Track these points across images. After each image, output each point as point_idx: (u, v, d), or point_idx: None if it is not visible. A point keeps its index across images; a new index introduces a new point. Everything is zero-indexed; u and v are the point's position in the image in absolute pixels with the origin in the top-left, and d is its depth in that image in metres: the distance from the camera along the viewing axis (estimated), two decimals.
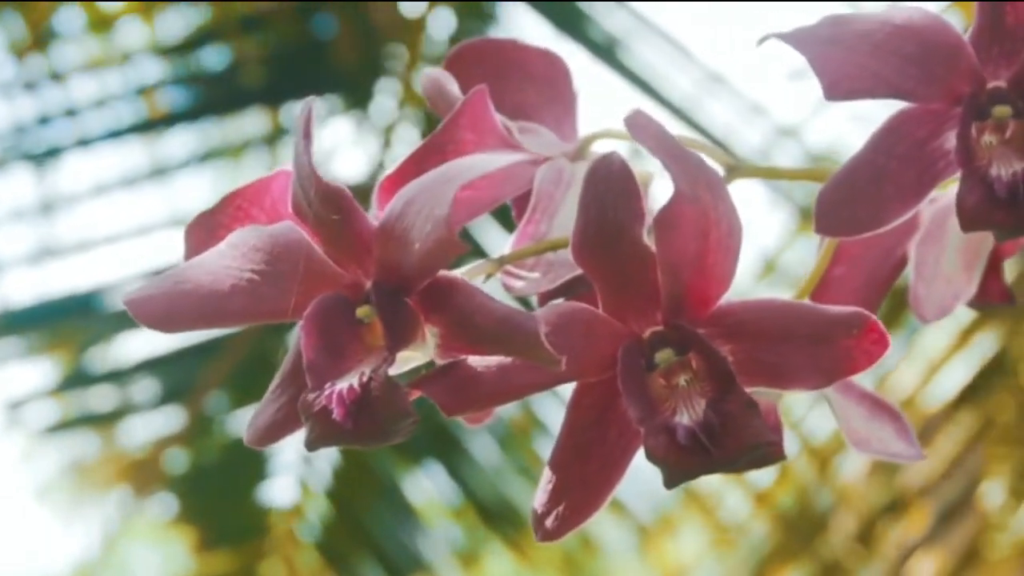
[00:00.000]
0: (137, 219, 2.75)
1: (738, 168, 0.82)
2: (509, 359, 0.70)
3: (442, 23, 2.71)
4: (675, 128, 2.43)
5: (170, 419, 2.79)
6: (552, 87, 0.87)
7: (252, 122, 2.79)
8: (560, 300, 0.75)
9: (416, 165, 0.75)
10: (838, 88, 0.75)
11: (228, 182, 2.84)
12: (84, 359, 2.73)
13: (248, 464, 2.79)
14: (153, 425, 2.81)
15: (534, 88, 0.87)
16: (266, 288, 0.70)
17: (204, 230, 0.76)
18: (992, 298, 0.94)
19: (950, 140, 0.76)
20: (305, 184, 0.71)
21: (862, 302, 0.97)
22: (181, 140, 2.75)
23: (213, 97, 2.75)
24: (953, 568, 2.51)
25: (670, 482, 0.69)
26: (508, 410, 2.58)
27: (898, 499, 2.58)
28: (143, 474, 2.76)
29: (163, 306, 0.71)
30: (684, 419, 0.69)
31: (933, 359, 2.54)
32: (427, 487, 2.97)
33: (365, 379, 0.68)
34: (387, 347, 0.68)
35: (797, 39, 0.74)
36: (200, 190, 2.87)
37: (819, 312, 0.71)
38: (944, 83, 0.75)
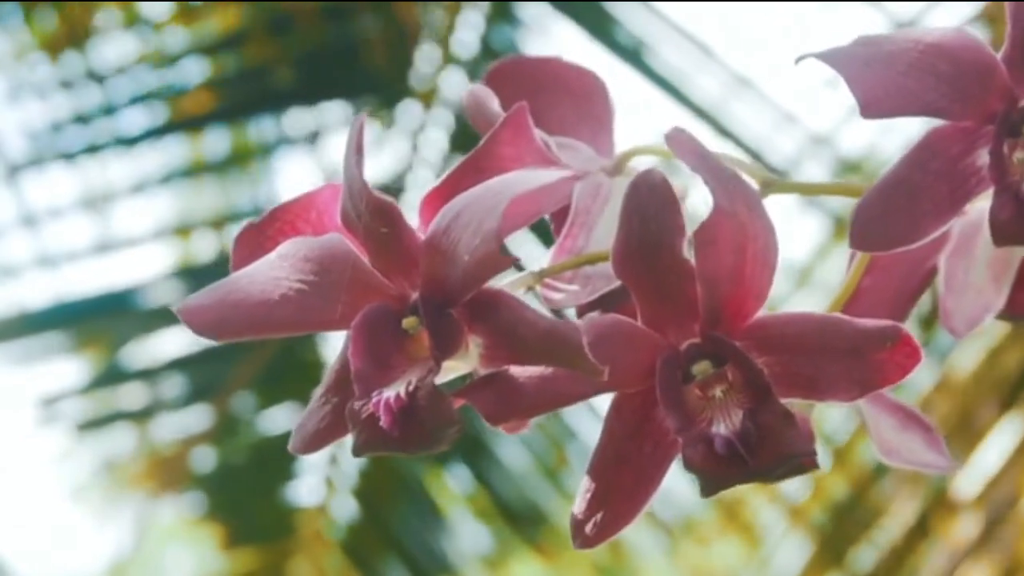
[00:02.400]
0: (169, 218, 2.77)
1: (773, 183, 0.83)
2: (550, 370, 0.71)
3: (471, 25, 2.72)
4: (703, 133, 2.45)
5: (199, 418, 2.81)
6: (589, 103, 0.89)
7: (285, 122, 2.80)
8: (597, 312, 0.77)
9: (458, 180, 0.76)
10: (874, 107, 0.76)
11: (260, 182, 2.86)
12: (116, 357, 2.75)
13: (275, 463, 2.81)
14: (182, 424, 2.83)
15: (572, 104, 0.89)
16: (315, 298, 0.72)
17: (251, 243, 0.77)
18: (1021, 310, 0.95)
19: (983, 157, 0.77)
20: (356, 197, 0.73)
21: (891, 312, 0.98)
22: (214, 140, 2.77)
23: (245, 97, 2.76)
24: None
25: (707, 491, 0.70)
26: None
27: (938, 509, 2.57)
28: (172, 472, 2.78)
29: (215, 315, 0.73)
30: (721, 429, 0.70)
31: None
32: (453, 489, 2.98)
33: (412, 388, 0.69)
34: (433, 357, 0.70)
35: (834, 59, 0.75)
36: (233, 189, 2.88)
37: (853, 325, 0.72)
38: (977, 101, 0.76)
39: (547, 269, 0.79)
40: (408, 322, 0.71)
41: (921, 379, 2.55)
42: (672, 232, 0.70)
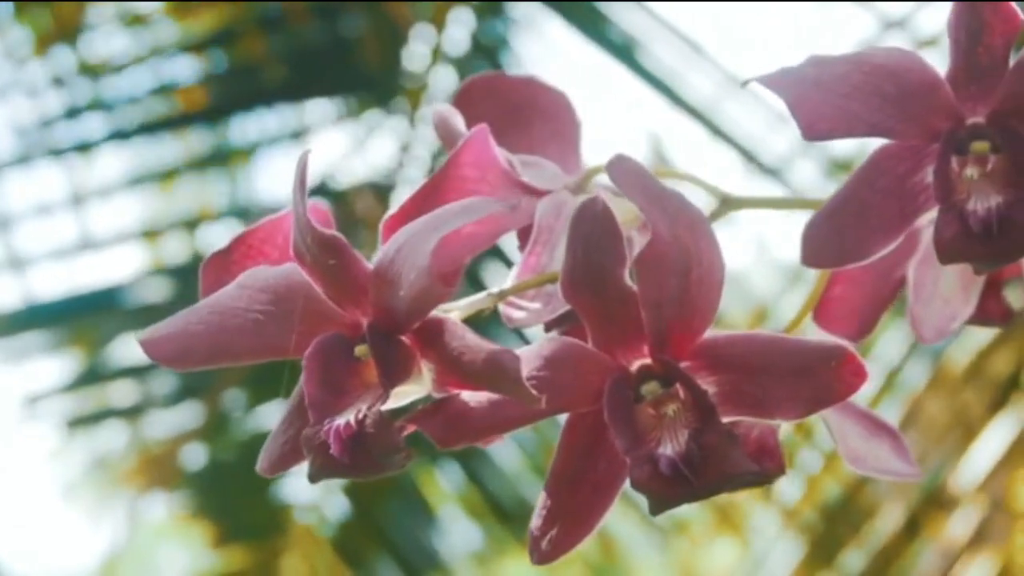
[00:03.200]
0: (158, 215, 2.77)
1: (731, 200, 0.84)
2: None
3: (461, 22, 2.72)
4: (696, 132, 2.43)
5: (189, 415, 2.81)
6: (558, 121, 0.90)
7: (274, 120, 2.80)
8: (553, 333, 0.77)
9: (418, 204, 0.77)
10: (815, 129, 0.77)
11: (251, 179, 2.86)
12: (104, 355, 2.76)
13: None
14: (173, 421, 2.83)
15: (541, 122, 0.90)
16: (271, 327, 0.74)
17: (218, 269, 0.79)
18: (991, 317, 0.95)
19: (931, 175, 0.77)
20: (302, 232, 0.74)
21: (862, 322, 0.99)
22: (202, 137, 2.77)
23: (235, 94, 2.76)
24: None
25: (654, 509, 0.72)
26: None
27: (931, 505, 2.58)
28: (162, 470, 2.78)
29: (176, 345, 0.75)
30: (667, 450, 0.71)
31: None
32: (445, 487, 2.98)
33: (361, 416, 0.71)
34: (381, 384, 0.71)
35: (775, 83, 0.76)
36: (224, 187, 2.89)
37: (800, 345, 0.73)
38: (923, 121, 0.77)
39: (508, 289, 0.80)
40: (360, 350, 0.72)
41: (914, 377, 2.55)
42: (614, 260, 0.71)
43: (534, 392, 0.69)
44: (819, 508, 2.66)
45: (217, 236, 2.72)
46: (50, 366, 2.78)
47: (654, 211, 0.70)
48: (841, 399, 0.72)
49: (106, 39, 2.67)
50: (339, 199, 2.71)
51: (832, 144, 2.55)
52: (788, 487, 2.63)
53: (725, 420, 0.73)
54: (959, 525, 2.53)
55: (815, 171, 2.55)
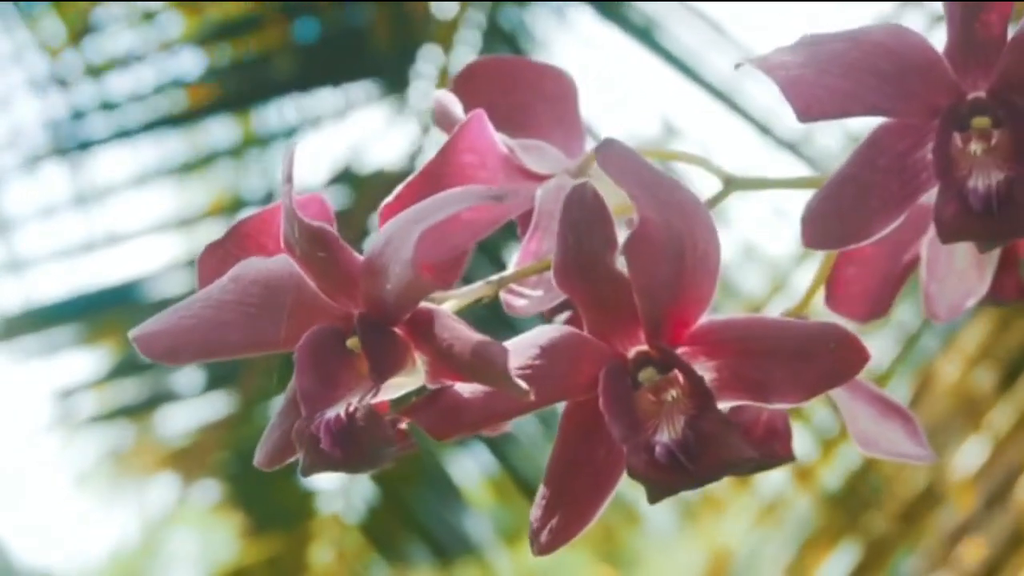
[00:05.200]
0: (177, 209, 2.78)
1: (734, 181, 0.83)
2: None
3: (479, 6, 2.71)
4: (714, 108, 2.41)
5: (217, 405, 2.82)
6: (560, 104, 0.89)
7: (291, 109, 2.80)
8: (551, 322, 0.77)
9: (415, 191, 0.76)
10: (811, 111, 0.75)
11: (266, 170, 2.86)
12: (130, 348, 2.76)
13: None
14: (200, 412, 2.84)
15: (543, 105, 0.89)
16: (263, 320, 0.73)
17: (215, 260, 0.78)
18: (1006, 295, 0.94)
19: (931, 152, 0.76)
20: (290, 224, 0.73)
21: (875, 301, 0.98)
22: (218, 129, 2.77)
23: (250, 84, 2.76)
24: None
25: (652, 498, 0.71)
26: None
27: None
28: (189, 461, 2.79)
29: (169, 340, 0.74)
30: (663, 438, 0.70)
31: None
32: (472, 468, 2.98)
33: (351, 409, 0.70)
34: (372, 377, 0.71)
35: (768, 66, 0.74)
36: (240, 178, 2.89)
37: (798, 328, 0.72)
38: (922, 98, 0.76)
39: (508, 276, 0.79)
40: (352, 342, 0.72)
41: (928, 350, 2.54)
42: (603, 246, 0.70)
43: (523, 384, 0.68)
44: (838, 471, 2.66)
45: None
46: (79, 361, 2.80)
47: (643, 197, 0.70)
48: (842, 381, 0.71)
49: (110, 35, 2.67)
50: (359, 185, 2.72)
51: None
52: (804, 449, 2.62)
53: (727, 405, 0.72)
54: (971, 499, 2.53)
55: (835, 146, 2.54)
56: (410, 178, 0.78)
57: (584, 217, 0.70)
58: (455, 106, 0.83)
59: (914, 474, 2.65)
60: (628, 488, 0.75)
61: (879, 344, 2.52)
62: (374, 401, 0.70)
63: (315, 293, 0.73)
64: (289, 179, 0.72)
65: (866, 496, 2.69)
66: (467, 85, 0.88)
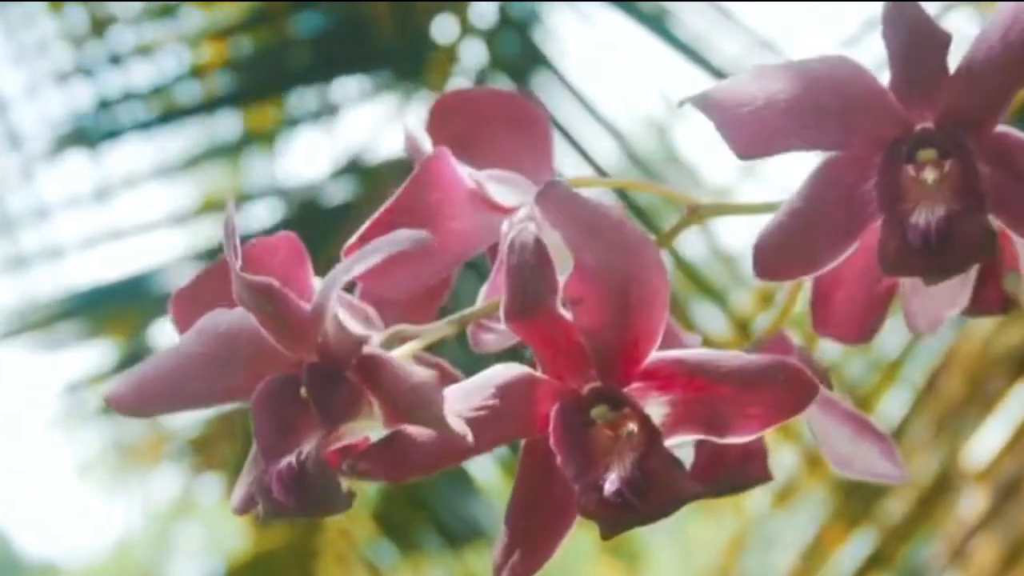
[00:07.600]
0: (191, 201, 2.79)
1: (699, 208, 0.83)
2: None
3: None
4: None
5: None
6: (529, 133, 0.89)
7: (300, 101, 2.81)
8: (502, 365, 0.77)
9: (378, 230, 0.77)
10: (751, 150, 0.75)
11: (276, 162, 2.87)
12: (140, 340, 2.78)
13: None
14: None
15: (512, 135, 0.89)
16: (228, 372, 0.75)
17: (187, 306, 0.79)
18: (988, 307, 0.94)
19: (875, 186, 0.76)
20: (236, 281, 0.74)
21: (862, 323, 0.97)
22: (229, 121, 2.78)
23: (261, 76, 2.77)
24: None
25: (605, 534, 0.72)
26: None
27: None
28: (198, 453, 2.81)
29: (138, 397, 0.75)
30: (613, 476, 0.71)
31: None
32: (484, 456, 2.98)
33: (302, 457, 0.71)
34: (321, 424, 0.71)
35: (705, 104, 0.74)
36: (254, 169, 2.90)
37: (747, 363, 0.72)
38: (867, 132, 0.75)
39: (470, 313, 0.80)
40: (304, 390, 0.73)
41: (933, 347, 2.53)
42: (544, 289, 0.71)
43: (460, 426, 0.69)
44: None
45: (253, 218, 2.73)
46: (87, 354, 2.82)
47: (582, 241, 0.70)
48: (791, 415, 0.71)
49: (131, 27, 2.68)
50: (370, 176, 2.72)
51: None
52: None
53: (682, 440, 0.73)
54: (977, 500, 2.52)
55: None
56: (373, 216, 0.78)
57: (525, 261, 0.71)
58: (424, 142, 0.84)
59: (929, 461, 2.64)
60: None
61: (892, 327, 2.51)
62: (333, 448, 0.71)
63: (271, 343, 0.74)
64: (232, 236, 0.73)
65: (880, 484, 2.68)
66: (435, 119, 0.89)
